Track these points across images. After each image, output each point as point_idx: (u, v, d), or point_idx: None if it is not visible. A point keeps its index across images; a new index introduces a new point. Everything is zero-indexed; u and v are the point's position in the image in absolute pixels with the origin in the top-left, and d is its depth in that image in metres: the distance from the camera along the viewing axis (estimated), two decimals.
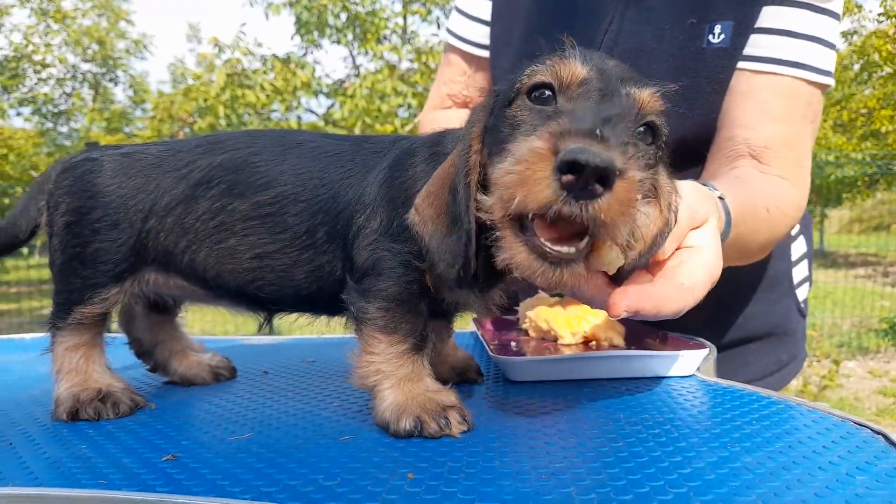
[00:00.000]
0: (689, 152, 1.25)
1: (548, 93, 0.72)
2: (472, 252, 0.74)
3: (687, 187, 0.83)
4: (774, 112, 1.17)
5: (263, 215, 0.94)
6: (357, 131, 11.54)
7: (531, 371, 1.07)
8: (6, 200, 12.39)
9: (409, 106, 12.07)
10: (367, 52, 12.54)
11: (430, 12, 12.62)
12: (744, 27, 1.19)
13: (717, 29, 1.20)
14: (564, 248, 0.65)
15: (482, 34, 1.49)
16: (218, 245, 0.96)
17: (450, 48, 1.56)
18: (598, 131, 0.62)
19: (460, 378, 1.08)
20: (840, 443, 0.73)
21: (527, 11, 1.41)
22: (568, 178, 0.60)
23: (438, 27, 12.79)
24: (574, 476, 0.65)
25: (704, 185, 0.96)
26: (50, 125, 16.59)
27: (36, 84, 15.55)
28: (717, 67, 1.21)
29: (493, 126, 0.76)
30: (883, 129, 12.12)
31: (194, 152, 0.99)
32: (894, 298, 8.47)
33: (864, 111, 12.59)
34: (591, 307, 0.81)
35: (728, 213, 0.96)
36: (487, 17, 1.48)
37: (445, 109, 1.59)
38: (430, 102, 1.61)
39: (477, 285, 0.84)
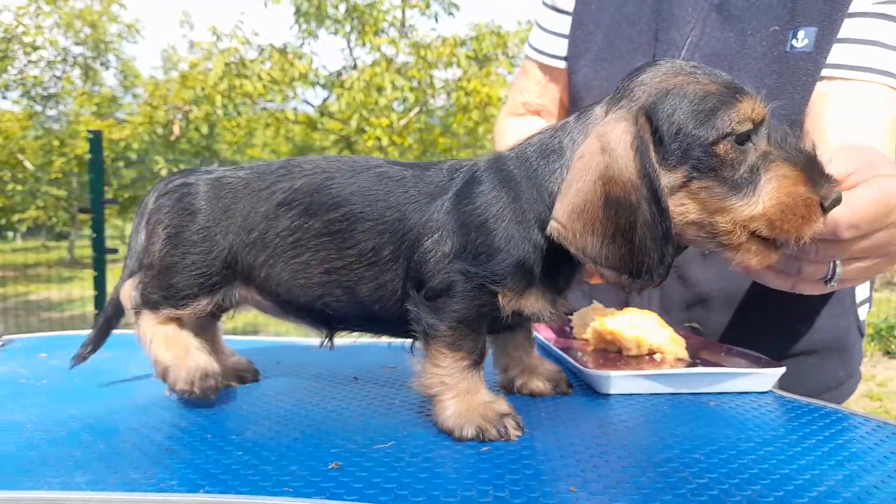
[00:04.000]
0: None
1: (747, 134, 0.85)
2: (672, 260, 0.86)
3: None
4: (866, 120, 1.26)
5: (333, 232, 1.02)
6: (353, 124, 11.55)
7: (623, 385, 1.14)
8: None
9: (405, 99, 12.09)
10: (364, 45, 12.52)
11: (428, 6, 12.61)
12: (828, 32, 1.28)
13: (801, 34, 1.30)
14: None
15: (558, 46, 1.60)
16: (293, 260, 1.04)
17: (528, 59, 1.68)
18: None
19: (554, 390, 1.15)
20: None
21: (608, 18, 1.50)
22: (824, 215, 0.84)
23: (437, 21, 12.80)
24: (722, 492, 0.72)
25: None
26: (38, 108, 16.38)
27: (25, 66, 15.33)
28: (800, 70, 1.30)
29: (691, 159, 0.84)
30: None
31: (276, 174, 1.07)
32: (880, 304, 8.67)
33: None
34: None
35: None
36: (564, 31, 1.58)
37: (519, 116, 1.72)
38: (506, 109, 1.72)
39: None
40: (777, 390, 1.15)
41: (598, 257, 0.85)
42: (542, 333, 1.55)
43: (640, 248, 0.83)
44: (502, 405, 0.94)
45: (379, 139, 11.47)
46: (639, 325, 1.38)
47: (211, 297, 1.07)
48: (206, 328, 1.22)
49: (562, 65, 1.60)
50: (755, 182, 0.84)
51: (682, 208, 0.86)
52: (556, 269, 0.94)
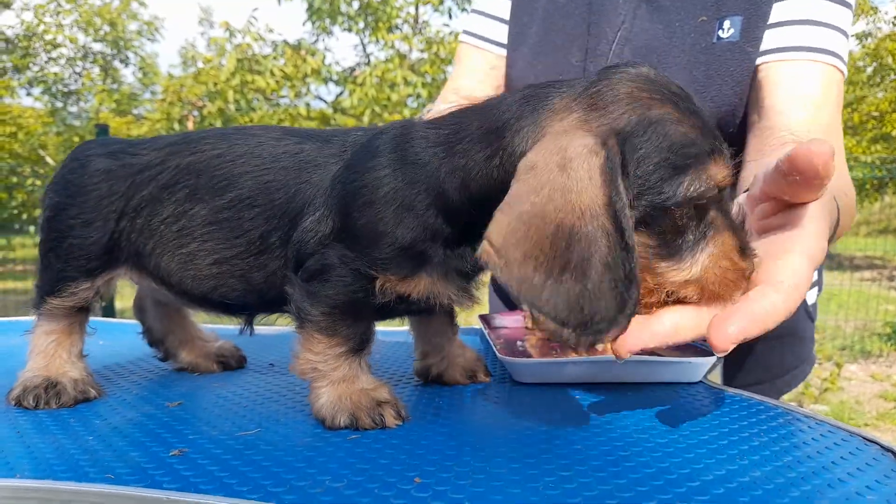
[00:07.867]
0: None
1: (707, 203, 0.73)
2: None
3: None
4: (812, 98, 1.18)
5: (220, 220, 0.94)
6: (366, 120, 11.53)
7: (538, 373, 1.07)
8: (14, 179, 12.44)
9: (419, 96, 12.03)
10: (378, 41, 12.48)
11: (441, 2, 12.55)
12: (754, 20, 1.23)
13: (727, 24, 1.25)
14: None
15: (500, 32, 1.52)
16: (179, 250, 0.96)
17: (464, 46, 1.58)
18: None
19: (470, 379, 1.08)
20: (850, 459, 0.72)
21: (542, 10, 1.44)
22: None
23: (450, 17, 12.72)
24: (581, 485, 0.65)
25: None
26: (59, 105, 16.61)
27: (46, 63, 15.56)
28: (727, 61, 1.25)
29: (642, 208, 0.71)
30: (894, 133, 12.06)
31: (166, 151, 0.99)
32: None
33: (875, 114, 12.53)
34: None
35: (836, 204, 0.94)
36: (506, 15, 1.51)
37: (449, 104, 1.61)
38: (440, 97, 1.62)
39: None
40: (708, 380, 1.07)
41: (539, 299, 0.68)
42: (498, 320, 1.48)
43: (595, 292, 0.67)
44: (382, 393, 0.87)
45: None
46: None
47: (91, 282, 0.99)
48: (171, 316, 1.17)
49: (502, 51, 1.52)
50: (695, 249, 0.73)
51: None
52: (461, 254, 0.86)
